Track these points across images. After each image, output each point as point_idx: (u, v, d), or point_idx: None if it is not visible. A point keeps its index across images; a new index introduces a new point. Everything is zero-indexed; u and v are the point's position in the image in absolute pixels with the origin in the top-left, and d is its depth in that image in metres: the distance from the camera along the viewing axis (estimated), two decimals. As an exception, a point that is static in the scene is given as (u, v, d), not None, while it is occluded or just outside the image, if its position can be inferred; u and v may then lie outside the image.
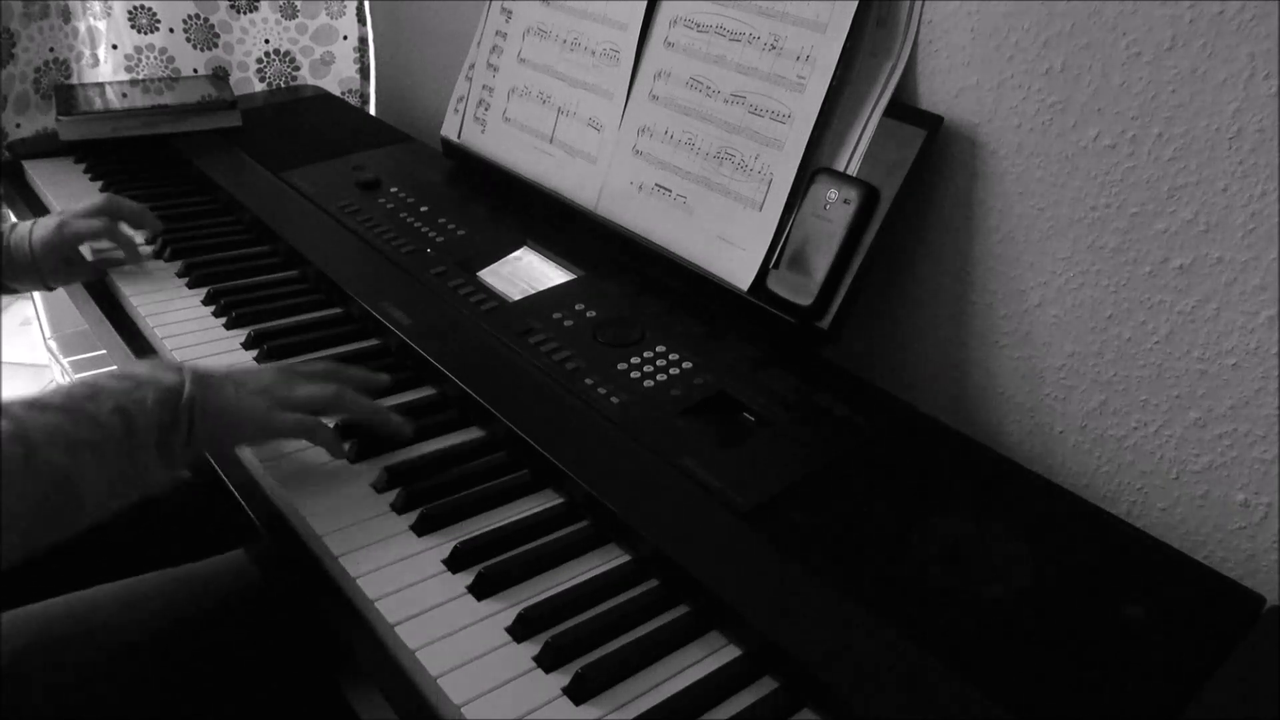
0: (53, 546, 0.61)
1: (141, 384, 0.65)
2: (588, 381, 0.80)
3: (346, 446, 0.74)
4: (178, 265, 1.02)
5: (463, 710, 0.55)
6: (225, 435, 0.70)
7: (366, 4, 1.57)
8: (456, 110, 1.22)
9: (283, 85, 1.57)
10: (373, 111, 1.65)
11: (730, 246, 0.90)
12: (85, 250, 1.01)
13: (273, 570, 0.73)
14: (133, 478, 0.64)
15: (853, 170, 0.84)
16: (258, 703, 0.78)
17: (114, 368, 0.68)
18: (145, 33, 1.45)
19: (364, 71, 1.62)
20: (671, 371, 0.81)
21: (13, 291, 0.99)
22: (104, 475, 0.62)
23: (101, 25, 1.43)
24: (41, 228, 0.97)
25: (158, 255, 1.04)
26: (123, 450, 0.63)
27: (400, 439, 0.75)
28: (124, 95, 1.34)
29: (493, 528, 0.68)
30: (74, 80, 1.44)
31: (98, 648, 0.72)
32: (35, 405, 0.62)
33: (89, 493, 0.61)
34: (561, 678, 0.57)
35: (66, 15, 1.40)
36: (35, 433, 0.60)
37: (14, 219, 1.24)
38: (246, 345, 0.88)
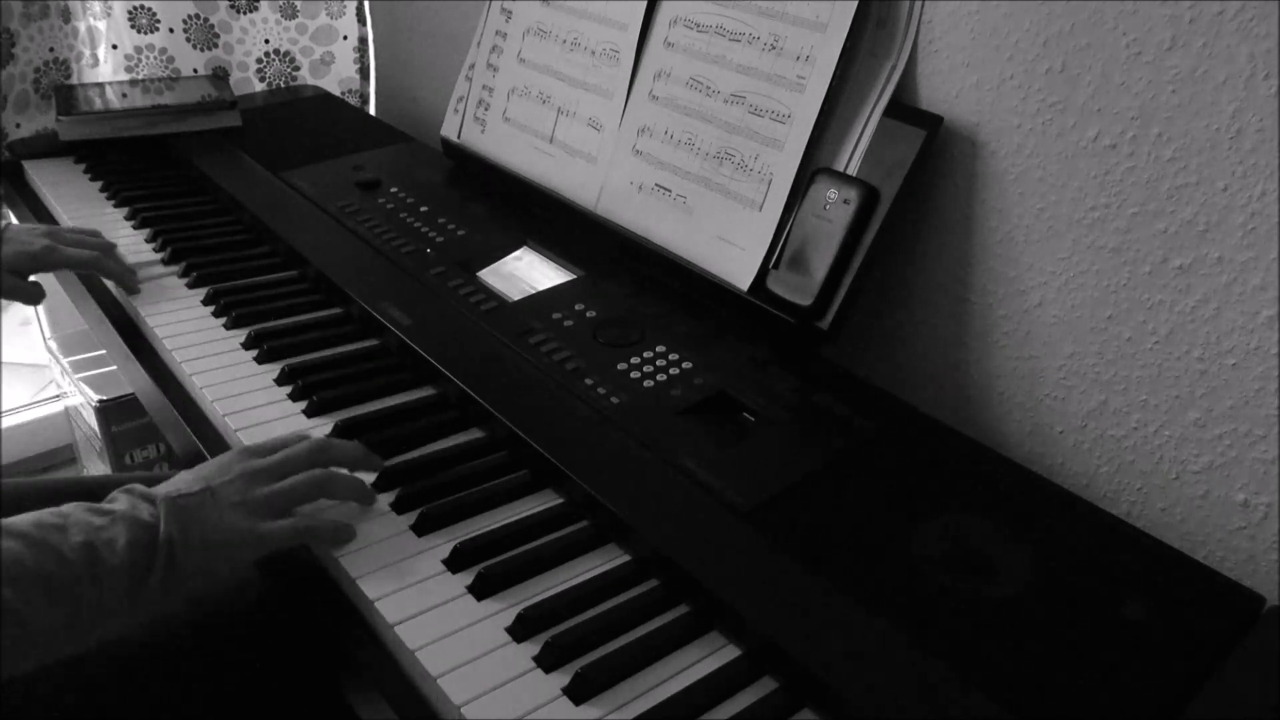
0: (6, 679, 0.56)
1: (116, 520, 0.60)
2: (588, 381, 0.80)
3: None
4: (178, 265, 1.02)
5: (463, 710, 0.55)
6: (216, 564, 0.63)
7: (366, 4, 1.57)
8: (456, 110, 1.22)
9: (283, 85, 1.57)
10: (373, 111, 1.65)
11: (730, 246, 0.90)
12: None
13: (276, 575, 0.72)
14: (91, 620, 0.57)
15: (853, 170, 0.84)
16: (259, 705, 0.78)
17: (84, 504, 0.61)
18: (145, 33, 1.45)
19: (364, 71, 1.62)
20: (671, 371, 0.81)
21: None
22: (57, 615, 0.56)
23: (101, 25, 1.43)
24: (15, 241, 0.93)
25: (165, 261, 1.04)
26: (84, 591, 0.57)
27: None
28: (124, 95, 1.34)
29: (493, 528, 0.68)
30: (74, 80, 1.44)
31: (106, 655, 0.72)
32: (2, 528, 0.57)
33: (38, 632, 0.55)
34: (561, 678, 0.57)
35: (66, 15, 1.40)
36: None
37: (14, 219, 1.24)
38: (246, 345, 0.88)
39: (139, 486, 0.64)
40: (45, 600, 0.56)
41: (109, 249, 0.99)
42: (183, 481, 0.66)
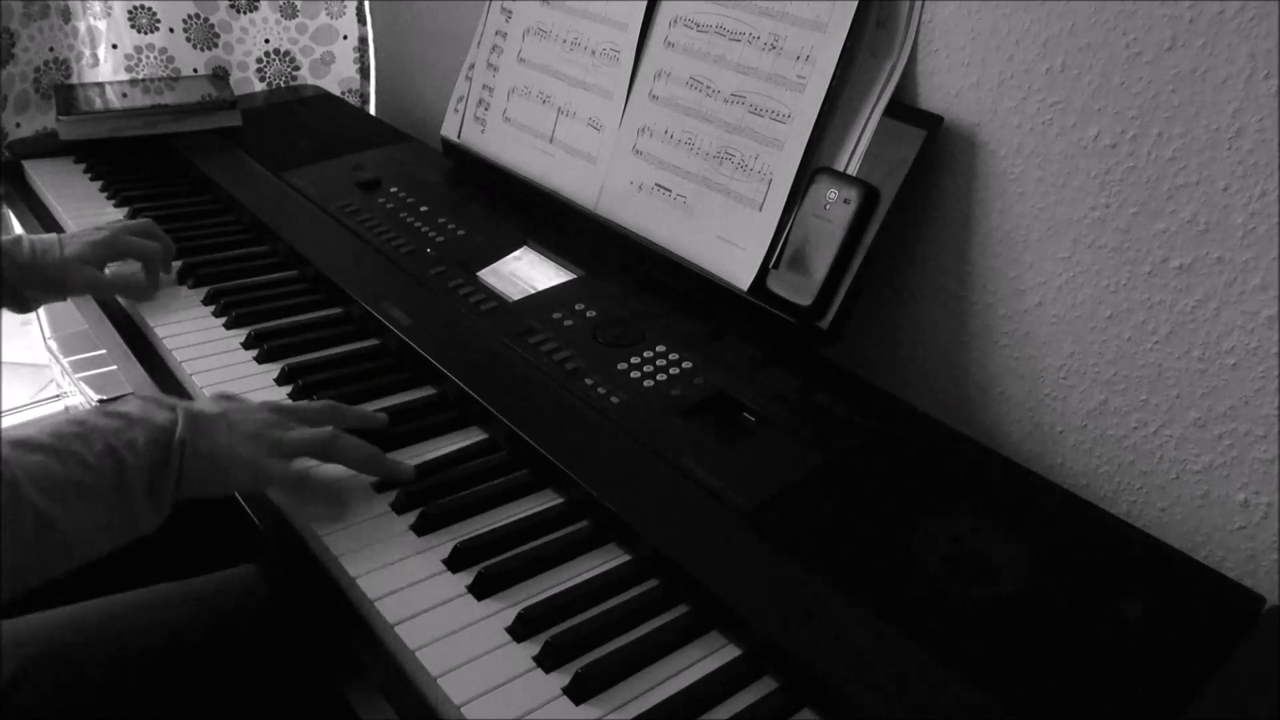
0: (47, 583, 0.59)
1: (133, 423, 0.63)
2: (588, 381, 0.80)
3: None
4: (178, 265, 1.02)
5: (463, 710, 0.55)
6: (214, 480, 0.66)
7: (366, 4, 1.57)
8: (456, 110, 1.22)
9: (283, 85, 1.57)
10: (373, 111, 1.65)
11: (730, 246, 0.90)
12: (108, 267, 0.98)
13: (279, 580, 0.73)
14: (122, 520, 0.61)
15: (853, 170, 0.84)
16: (260, 705, 0.78)
17: (102, 403, 0.65)
18: (145, 32, 1.45)
19: (364, 71, 1.62)
20: (671, 371, 0.81)
21: (23, 308, 0.94)
22: (92, 518, 0.60)
23: (101, 25, 1.43)
24: (78, 241, 0.94)
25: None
26: (113, 492, 0.60)
27: (401, 479, 0.72)
28: (124, 95, 1.34)
29: (493, 527, 0.68)
30: (74, 80, 1.44)
31: (106, 657, 0.72)
32: (23, 444, 0.59)
33: (76, 536, 0.59)
34: (561, 677, 0.57)
35: (66, 15, 1.40)
36: (21, 474, 0.57)
37: (14, 219, 1.24)
38: (246, 345, 0.89)
39: (153, 394, 0.68)
40: (78, 506, 0.59)
41: (170, 248, 0.99)
42: (204, 402, 0.70)
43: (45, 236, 0.95)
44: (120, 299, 0.98)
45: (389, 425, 0.78)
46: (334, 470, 0.72)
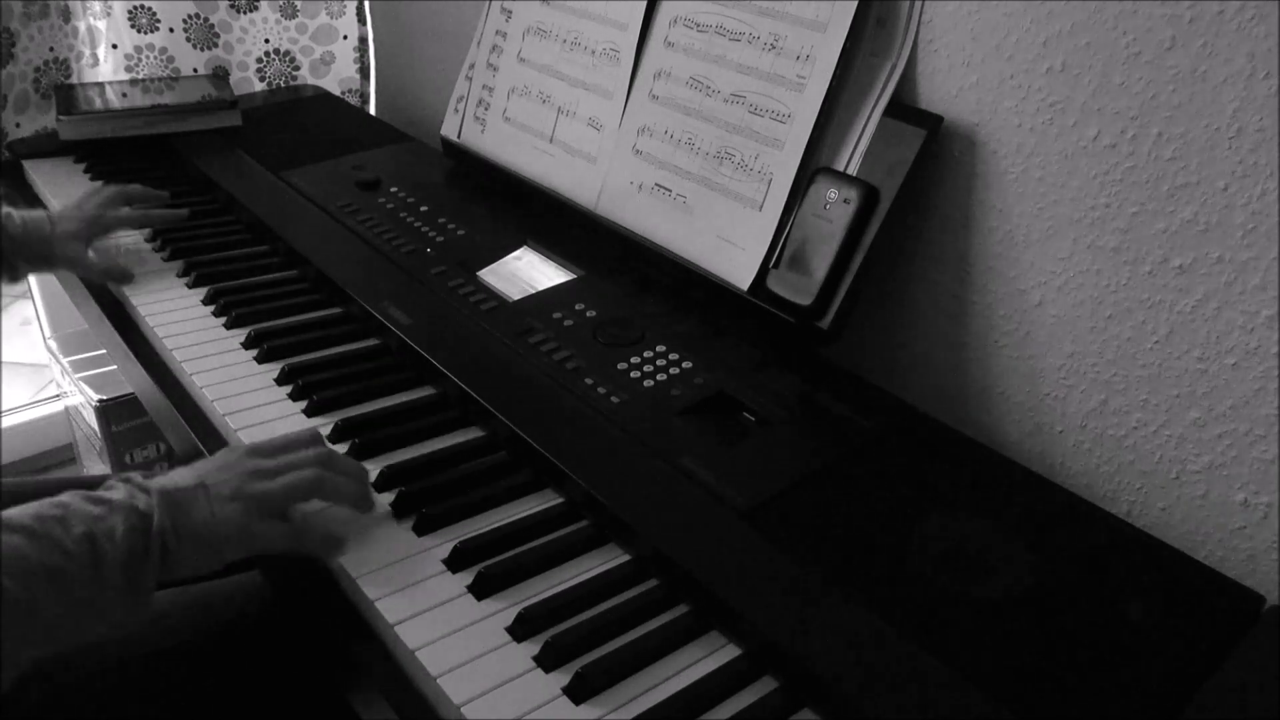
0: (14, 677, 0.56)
1: (114, 509, 0.60)
2: (588, 381, 0.80)
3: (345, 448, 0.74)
4: (178, 265, 1.02)
5: (463, 710, 0.55)
6: (204, 558, 0.63)
7: (366, 4, 1.57)
8: (456, 110, 1.22)
9: (283, 85, 1.57)
10: (373, 111, 1.65)
11: (730, 246, 0.90)
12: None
13: (281, 582, 0.72)
14: (95, 611, 0.58)
15: (853, 170, 0.84)
16: (261, 705, 0.78)
17: (81, 493, 0.61)
18: (145, 32, 1.45)
19: (364, 71, 1.62)
20: (671, 371, 0.81)
21: (13, 277, 0.98)
22: (64, 606, 0.57)
23: (101, 25, 1.43)
24: (69, 218, 0.99)
25: (163, 256, 1.05)
26: (89, 581, 0.57)
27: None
28: (124, 95, 1.34)
29: (493, 527, 0.68)
30: (74, 80, 1.44)
31: (109, 660, 0.72)
32: (2, 523, 0.57)
33: (42, 625, 0.56)
34: (561, 677, 0.57)
35: (66, 15, 1.40)
36: None
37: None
38: (246, 345, 0.88)
39: (136, 476, 0.64)
40: (50, 592, 0.56)
41: (161, 198, 1.06)
42: (179, 475, 0.66)
43: (35, 212, 0.99)
44: (115, 291, 0.99)
45: (389, 427, 0.78)
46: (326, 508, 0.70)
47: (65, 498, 0.61)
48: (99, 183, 1.18)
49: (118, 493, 0.62)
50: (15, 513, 0.58)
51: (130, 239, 1.08)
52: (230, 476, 0.66)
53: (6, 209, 0.97)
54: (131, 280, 0.98)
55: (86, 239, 0.98)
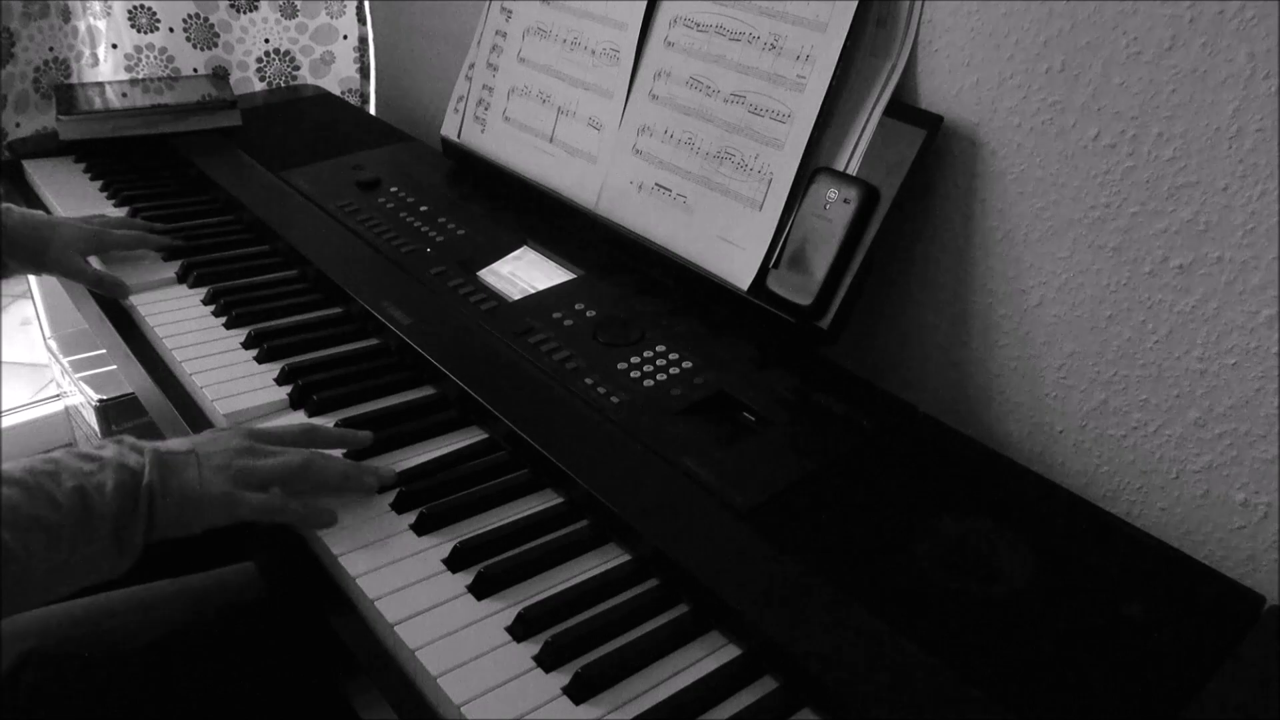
0: None
1: (104, 465, 0.62)
2: (588, 381, 0.80)
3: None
4: (178, 265, 1.02)
5: (463, 710, 0.55)
6: (188, 520, 0.65)
7: (366, 4, 1.57)
8: (456, 110, 1.22)
9: (283, 85, 1.57)
10: (373, 111, 1.65)
11: (730, 246, 0.90)
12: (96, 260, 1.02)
13: (279, 579, 0.72)
14: (83, 563, 0.60)
15: (853, 170, 0.84)
16: (260, 704, 0.78)
17: (74, 450, 0.64)
18: (145, 32, 1.44)
19: (364, 71, 1.62)
20: (671, 371, 0.81)
21: (2, 274, 0.98)
22: (51, 558, 0.59)
23: (101, 25, 1.43)
24: (70, 227, 0.99)
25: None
26: (78, 533, 0.60)
27: (384, 485, 0.72)
28: (124, 95, 1.34)
29: (492, 527, 0.68)
30: (74, 80, 1.44)
31: (105, 652, 0.72)
32: None
33: (33, 574, 0.58)
34: (561, 677, 0.57)
35: (66, 15, 1.40)
36: None
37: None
38: (246, 345, 0.88)
39: (129, 437, 0.66)
40: (42, 543, 0.58)
41: (149, 226, 1.05)
42: (173, 442, 0.69)
43: (35, 213, 0.99)
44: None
45: (389, 426, 0.78)
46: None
47: (57, 454, 0.63)
48: (110, 204, 1.17)
49: (109, 450, 0.65)
50: (8, 467, 0.60)
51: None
52: (222, 449, 0.69)
53: (6, 205, 0.97)
54: (128, 294, 0.97)
55: (84, 252, 0.98)
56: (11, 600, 0.58)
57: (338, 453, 0.74)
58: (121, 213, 1.14)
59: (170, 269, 1.01)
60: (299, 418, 0.79)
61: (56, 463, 0.62)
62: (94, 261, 1.00)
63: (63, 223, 0.99)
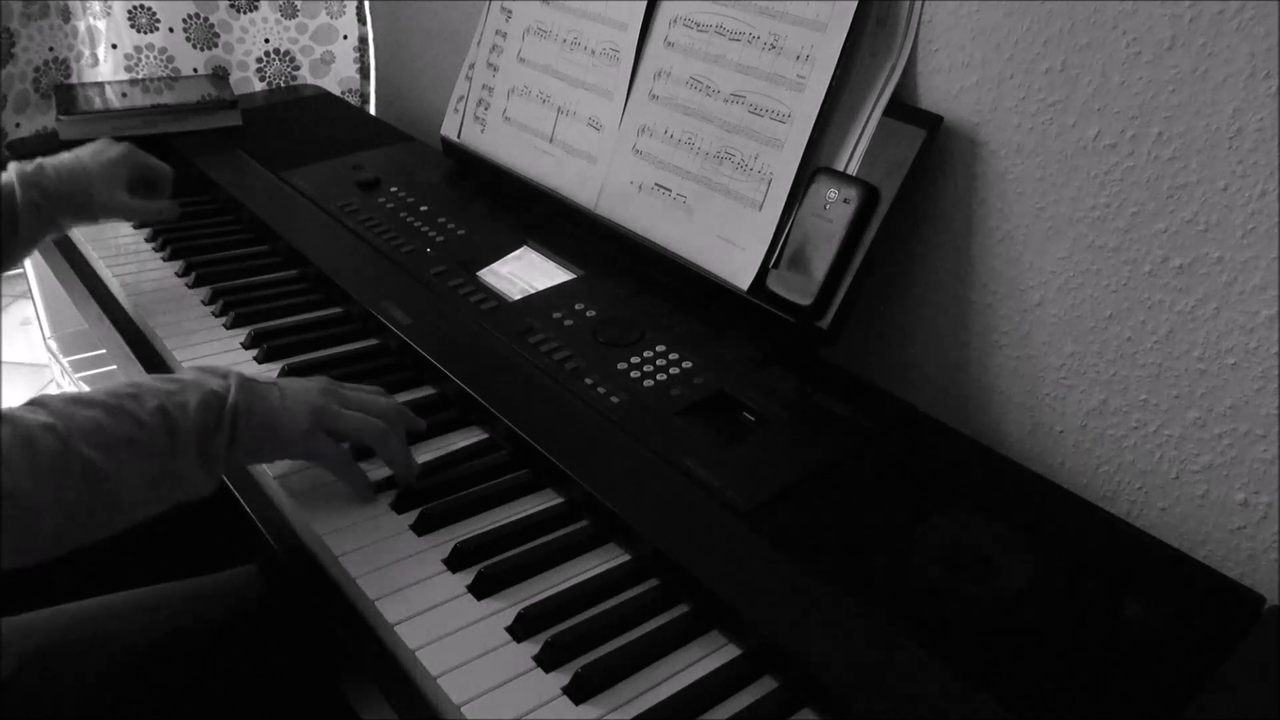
0: (82, 548, 0.59)
1: (186, 387, 0.64)
2: (588, 381, 0.80)
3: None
4: (178, 265, 1.02)
5: (462, 710, 0.55)
6: (267, 445, 0.67)
7: (366, 4, 1.57)
8: (456, 110, 1.22)
9: (283, 85, 1.57)
10: (373, 111, 1.65)
11: (730, 246, 0.90)
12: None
13: (280, 582, 0.72)
14: (171, 481, 0.62)
15: (853, 170, 0.84)
16: (260, 704, 0.78)
17: (154, 375, 0.66)
18: (145, 32, 1.45)
19: (364, 71, 1.62)
20: (671, 371, 0.81)
21: (56, 230, 0.96)
22: (141, 476, 0.60)
23: (101, 25, 1.43)
24: (101, 157, 0.97)
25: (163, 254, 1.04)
26: (163, 451, 0.61)
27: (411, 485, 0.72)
28: (124, 95, 1.34)
29: (493, 527, 0.68)
30: (74, 80, 1.44)
31: (107, 655, 0.72)
32: (77, 400, 0.61)
33: (125, 493, 0.60)
34: (561, 677, 0.57)
35: (66, 15, 1.40)
36: (74, 427, 0.58)
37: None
38: (247, 345, 0.88)
39: (212, 365, 0.69)
40: (131, 461, 0.59)
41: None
42: (256, 371, 0.72)
43: (64, 160, 0.96)
44: (115, 291, 0.99)
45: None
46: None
47: (138, 377, 0.65)
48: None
49: (189, 374, 0.66)
50: (89, 391, 0.62)
51: (130, 238, 1.08)
52: (307, 387, 0.71)
53: (38, 160, 0.95)
54: (179, 214, 0.98)
55: (124, 181, 0.97)
56: (108, 518, 0.60)
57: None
58: (127, 225, 1.13)
59: (170, 269, 1.01)
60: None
61: (138, 385, 0.63)
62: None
63: (95, 163, 0.97)
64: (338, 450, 0.70)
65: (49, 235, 0.97)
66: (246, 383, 0.67)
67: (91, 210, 0.96)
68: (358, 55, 1.60)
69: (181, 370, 0.67)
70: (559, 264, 0.98)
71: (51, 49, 1.40)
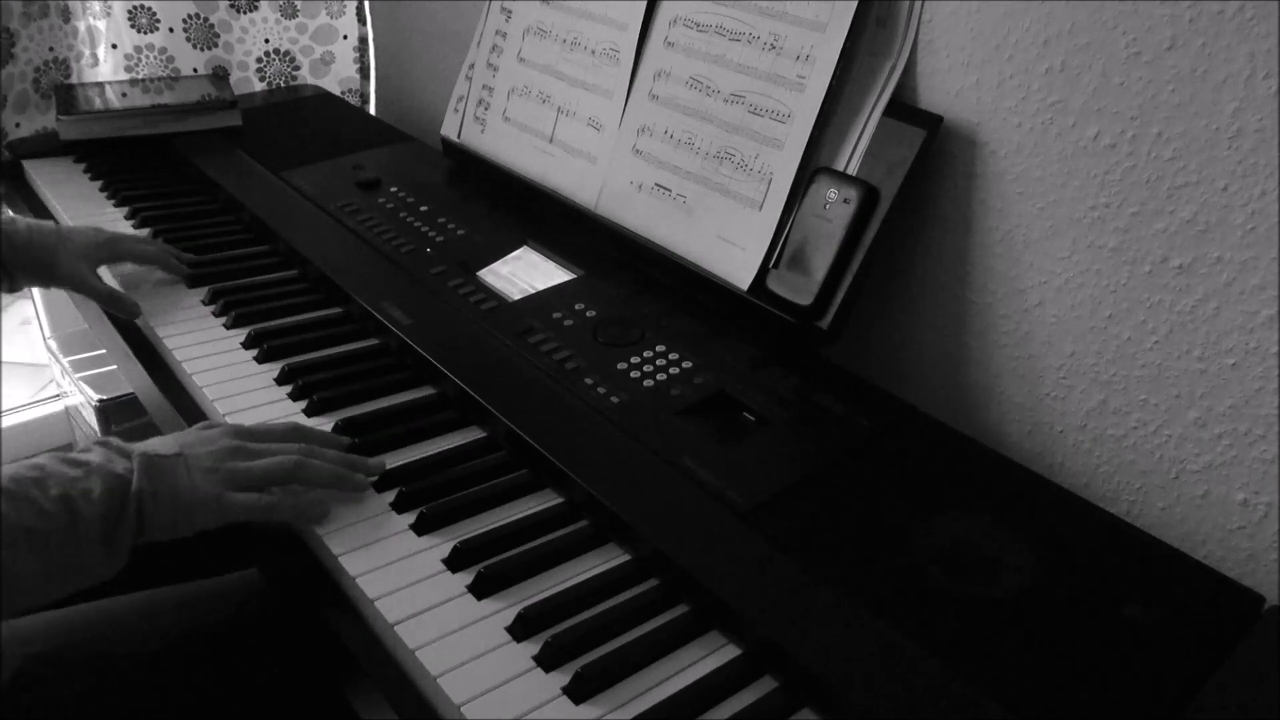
0: None
1: (91, 472, 0.62)
2: (588, 381, 0.80)
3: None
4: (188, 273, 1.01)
5: (462, 710, 0.55)
6: (177, 523, 0.65)
7: (366, 4, 1.57)
8: (456, 110, 1.22)
9: (283, 85, 1.57)
10: (373, 111, 1.65)
11: (730, 246, 0.90)
12: (109, 278, 0.99)
13: (280, 582, 0.72)
14: (71, 569, 0.61)
15: (853, 170, 0.84)
16: (260, 705, 0.78)
17: (59, 455, 0.64)
18: (145, 32, 1.44)
19: (364, 71, 1.62)
20: (671, 371, 0.81)
21: (11, 286, 0.94)
22: (40, 566, 0.59)
23: (101, 25, 1.43)
24: (81, 236, 0.95)
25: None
26: (65, 541, 0.60)
27: (374, 478, 0.72)
28: (124, 95, 1.34)
29: (492, 527, 0.68)
30: (74, 80, 1.44)
31: (108, 659, 0.72)
32: None
33: (21, 582, 0.58)
34: (561, 677, 0.57)
35: (66, 15, 1.40)
36: None
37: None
38: (246, 345, 0.88)
39: (115, 440, 0.66)
40: (27, 552, 0.58)
41: (172, 251, 1.00)
42: (159, 443, 0.68)
43: (44, 225, 0.95)
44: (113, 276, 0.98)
45: (388, 426, 0.78)
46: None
47: (42, 459, 0.63)
48: (111, 204, 1.16)
49: (95, 455, 0.64)
50: None
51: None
52: (211, 450, 0.68)
53: (10, 214, 0.96)
54: (139, 314, 0.93)
55: (94, 262, 0.95)
56: (3, 605, 0.58)
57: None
58: (121, 213, 1.13)
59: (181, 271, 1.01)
60: (299, 418, 0.79)
61: (41, 469, 0.62)
62: (106, 277, 0.98)
63: (72, 232, 0.95)
64: (254, 502, 0.67)
65: (4, 289, 0.94)
66: (149, 463, 0.64)
67: (55, 275, 0.93)
68: (358, 55, 1.60)
69: (87, 448, 0.65)
70: (559, 264, 0.98)
71: (51, 49, 1.40)
